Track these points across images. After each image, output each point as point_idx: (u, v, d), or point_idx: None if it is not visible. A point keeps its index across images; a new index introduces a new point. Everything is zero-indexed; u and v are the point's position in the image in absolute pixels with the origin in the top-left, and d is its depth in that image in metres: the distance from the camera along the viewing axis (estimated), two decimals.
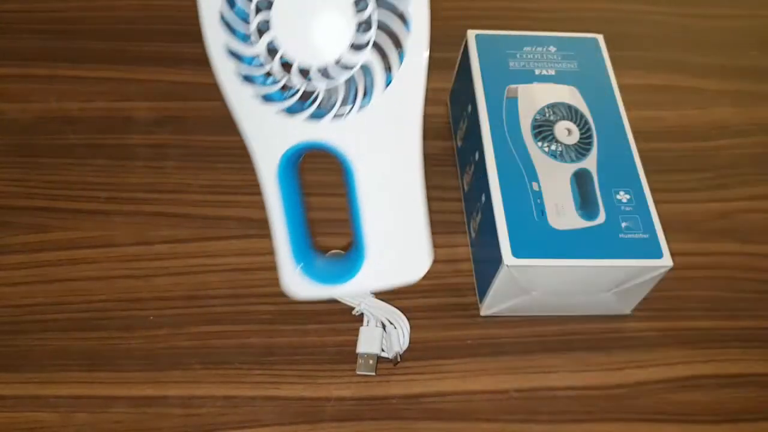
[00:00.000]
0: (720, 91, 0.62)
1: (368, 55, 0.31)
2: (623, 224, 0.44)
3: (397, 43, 0.31)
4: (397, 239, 0.38)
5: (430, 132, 0.57)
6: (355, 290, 0.39)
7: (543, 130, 0.47)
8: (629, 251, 0.43)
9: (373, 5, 0.30)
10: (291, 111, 0.33)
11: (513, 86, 0.50)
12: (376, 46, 0.31)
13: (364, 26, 0.31)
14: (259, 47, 0.31)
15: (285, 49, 0.31)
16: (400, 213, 0.37)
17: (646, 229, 0.44)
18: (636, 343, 0.47)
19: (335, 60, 0.31)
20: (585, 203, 0.45)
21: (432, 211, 0.52)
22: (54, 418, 0.41)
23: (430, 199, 0.53)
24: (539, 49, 0.52)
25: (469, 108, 0.51)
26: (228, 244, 0.49)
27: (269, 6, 0.30)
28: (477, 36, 0.52)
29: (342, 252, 0.42)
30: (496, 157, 0.46)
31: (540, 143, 0.47)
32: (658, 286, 0.45)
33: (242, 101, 0.33)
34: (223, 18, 0.30)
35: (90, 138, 0.53)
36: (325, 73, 0.32)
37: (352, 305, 0.45)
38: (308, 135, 0.34)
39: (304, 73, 0.32)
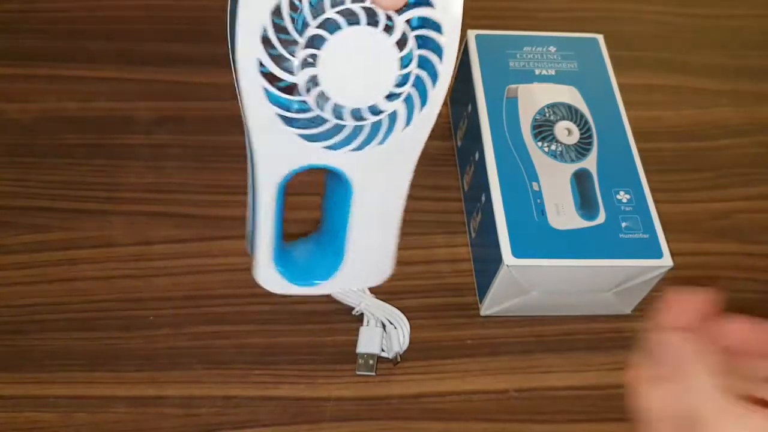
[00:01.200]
0: (720, 91, 0.62)
1: (398, 105, 0.32)
2: (623, 224, 0.44)
3: (424, 95, 0.32)
4: (372, 251, 0.41)
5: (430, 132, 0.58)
6: (325, 291, 0.42)
7: (543, 130, 0.47)
8: (629, 251, 0.43)
9: (416, 63, 0.31)
10: (311, 139, 0.33)
11: (513, 86, 0.50)
12: (407, 97, 0.32)
13: (402, 80, 0.31)
14: (299, 78, 0.30)
15: (325, 87, 0.31)
16: (380, 230, 0.40)
17: (646, 229, 0.44)
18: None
19: (369, 105, 0.32)
20: (585, 203, 0.45)
21: (432, 211, 0.52)
22: (54, 418, 0.41)
23: (430, 199, 0.54)
24: (539, 49, 0.52)
25: (469, 108, 0.51)
26: (228, 244, 0.49)
27: (320, 44, 0.29)
28: (477, 36, 0.52)
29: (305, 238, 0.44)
30: (496, 157, 0.46)
31: (540, 143, 0.47)
32: (658, 286, 0.45)
33: (261, 118, 0.32)
34: (265, 34, 0.29)
35: (90, 138, 0.53)
36: (356, 114, 0.32)
37: (352, 305, 0.45)
38: (321, 160, 0.34)
39: (337, 110, 0.32)
